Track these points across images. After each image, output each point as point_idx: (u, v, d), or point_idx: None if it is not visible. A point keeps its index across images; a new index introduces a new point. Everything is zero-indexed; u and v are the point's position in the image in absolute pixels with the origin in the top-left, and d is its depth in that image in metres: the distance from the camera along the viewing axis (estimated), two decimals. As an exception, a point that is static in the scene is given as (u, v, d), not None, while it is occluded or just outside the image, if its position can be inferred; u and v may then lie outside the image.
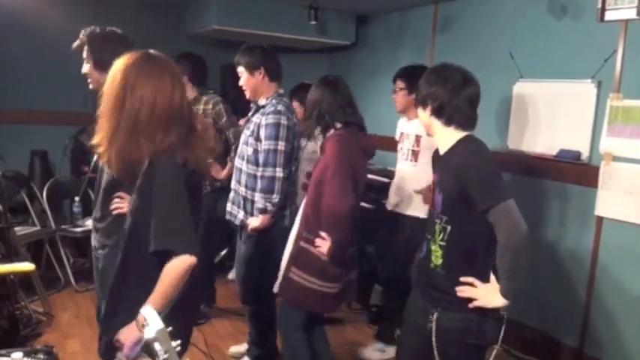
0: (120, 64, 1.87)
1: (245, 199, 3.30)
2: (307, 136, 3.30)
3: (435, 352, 2.26)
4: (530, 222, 2.15)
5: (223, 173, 4.12)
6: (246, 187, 3.29)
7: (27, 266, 3.16)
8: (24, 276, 4.05)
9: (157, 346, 1.12)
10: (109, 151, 1.85)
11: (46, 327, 4.03)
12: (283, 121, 3.18)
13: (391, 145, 4.26)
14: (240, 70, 3.31)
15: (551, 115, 3.91)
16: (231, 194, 3.44)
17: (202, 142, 1.94)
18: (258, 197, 3.19)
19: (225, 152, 4.23)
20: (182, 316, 1.84)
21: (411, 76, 3.71)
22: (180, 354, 1.80)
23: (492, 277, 2.22)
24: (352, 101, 3.04)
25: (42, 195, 4.93)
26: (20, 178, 5.01)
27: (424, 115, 2.32)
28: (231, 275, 5.17)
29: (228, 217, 3.46)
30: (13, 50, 5.17)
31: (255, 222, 3.22)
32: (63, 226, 4.96)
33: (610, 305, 3.60)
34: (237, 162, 3.36)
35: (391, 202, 3.98)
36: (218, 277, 4.80)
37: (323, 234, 2.85)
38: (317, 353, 3.12)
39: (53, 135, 5.42)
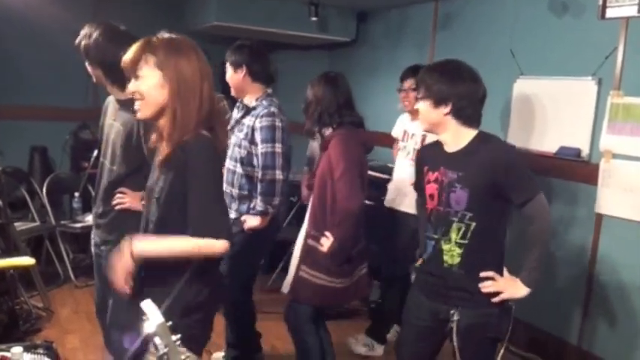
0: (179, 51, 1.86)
1: (240, 197, 3.28)
2: (311, 135, 3.25)
3: (457, 352, 2.27)
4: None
5: None
6: (240, 188, 3.27)
7: (27, 261, 3.16)
8: (24, 271, 4.05)
9: (157, 340, 1.12)
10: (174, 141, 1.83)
11: (45, 322, 4.04)
12: (277, 122, 3.18)
13: (392, 141, 4.26)
14: (227, 65, 3.32)
15: (551, 113, 3.91)
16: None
17: (223, 122, 2.03)
18: (258, 199, 3.19)
19: None
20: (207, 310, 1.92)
21: None
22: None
23: (505, 270, 2.28)
24: (351, 99, 3.04)
25: (42, 191, 4.93)
26: (20, 173, 5.01)
27: (435, 113, 2.26)
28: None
29: None
30: (13, 46, 5.17)
31: (253, 222, 3.22)
32: (62, 222, 4.96)
33: (610, 303, 3.60)
34: (230, 163, 3.32)
35: (389, 199, 3.98)
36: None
37: (327, 233, 2.87)
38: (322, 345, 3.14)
39: (53, 131, 5.42)
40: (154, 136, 1.93)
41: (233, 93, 3.37)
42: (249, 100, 3.31)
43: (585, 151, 3.69)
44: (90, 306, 4.32)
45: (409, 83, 3.82)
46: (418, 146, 3.71)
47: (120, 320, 1.86)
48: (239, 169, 3.26)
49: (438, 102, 2.24)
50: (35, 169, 5.31)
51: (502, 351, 2.30)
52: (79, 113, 5.42)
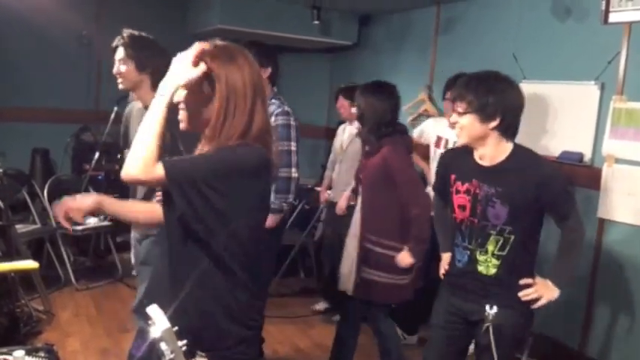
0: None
1: None
2: (368, 143, 3.23)
3: (494, 351, 2.25)
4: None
5: None
6: None
7: (31, 264, 3.15)
8: (24, 274, 4.04)
9: (163, 345, 1.11)
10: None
11: (46, 325, 4.02)
12: (292, 121, 3.23)
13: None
14: None
15: (554, 117, 3.91)
16: None
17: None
18: (272, 197, 3.20)
19: None
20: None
21: None
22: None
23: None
24: (398, 106, 3.18)
25: (43, 193, 4.92)
26: (21, 176, 5.01)
27: (482, 128, 2.22)
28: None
29: None
30: (15, 48, 5.17)
31: (267, 221, 3.22)
32: (64, 225, 4.94)
33: (612, 308, 3.59)
34: None
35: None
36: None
37: (405, 249, 3.01)
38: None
39: (54, 133, 5.42)
40: (199, 146, 1.74)
41: None
42: None
43: (588, 156, 3.69)
44: (90, 309, 4.33)
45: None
46: None
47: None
48: None
49: (486, 117, 2.20)
50: (36, 171, 5.31)
51: (527, 352, 2.44)
52: (80, 115, 5.42)
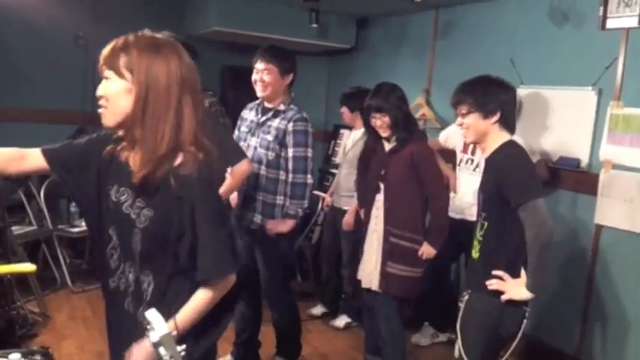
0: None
1: (264, 203, 3.30)
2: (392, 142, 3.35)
3: (458, 329, 2.46)
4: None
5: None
6: (266, 191, 3.29)
7: (28, 267, 3.13)
8: (20, 276, 4.02)
9: (161, 350, 1.10)
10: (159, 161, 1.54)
11: (41, 328, 4.01)
12: (310, 128, 3.29)
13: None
14: (269, 67, 3.25)
15: (551, 123, 3.91)
16: (241, 199, 3.37)
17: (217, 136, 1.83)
18: (288, 202, 3.25)
19: None
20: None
21: None
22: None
23: (522, 272, 2.36)
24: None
25: (39, 194, 4.90)
26: (17, 177, 4.98)
27: (485, 123, 2.40)
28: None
29: (238, 222, 3.40)
30: (12, 49, 5.15)
31: (283, 227, 3.27)
32: (60, 226, 4.93)
33: (609, 313, 3.60)
34: (252, 166, 3.29)
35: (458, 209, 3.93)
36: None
37: (425, 243, 3.23)
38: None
39: (51, 134, 5.33)
40: (115, 147, 1.63)
41: (266, 95, 3.29)
42: (276, 104, 3.31)
43: (585, 162, 3.70)
44: (86, 311, 4.31)
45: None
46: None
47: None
48: (263, 172, 3.28)
49: (487, 113, 2.39)
50: (33, 172, 5.28)
51: (510, 351, 2.44)
52: (77, 116, 5.39)
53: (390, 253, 3.22)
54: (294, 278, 5.30)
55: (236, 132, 3.52)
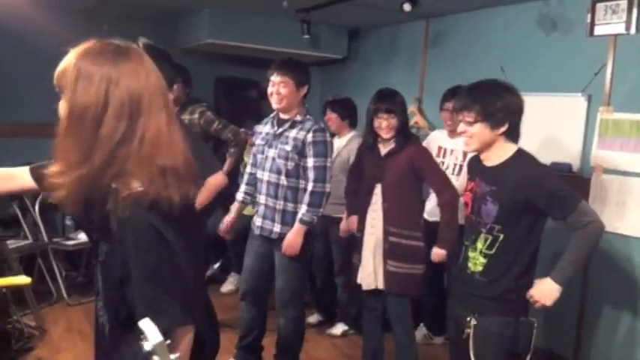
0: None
1: (284, 211, 3.35)
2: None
3: (472, 358, 2.31)
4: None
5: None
6: (285, 199, 3.35)
7: (23, 280, 3.15)
8: (16, 289, 4.02)
9: (155, 359, 1.12)
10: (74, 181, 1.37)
11: (38, 341, 3.99)
12: (328, 138, 3.36)
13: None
14: (285, 80, 3.30)
15: (542, 129, 3.94)
16: (262, 209, 3.43)
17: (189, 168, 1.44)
18: (304, 209, 3.29)
19: (222, 158, 4.22)
20: None
21: None
22: None
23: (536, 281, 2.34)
24: None
25: (34, 208, 4.90)
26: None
27: (492, 134, 2.31)
28: (224, 288, 5.17)
29: (258, 232, 3.46)
30: (5, 62, 5.16)
31: (297, 240, 3.31)
32: (55, 240, 4.93)
33: (603, 317, 3.62)
34: (271, 176, 3.36)
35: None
36: (210, 290, 4.78)
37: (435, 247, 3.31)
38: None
39: (45, 148, 5.34)
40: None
41: (282, 107, 3.34)
42: (292, 115, 3.36)
43: (576, 166, 3.73)
44: (83, 324, 4.30)
45: (453, 104, 3.88)
46: (459, 162, 3.90)
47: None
48: (283, 182, 3.34)
49: (495, 123, 2.29)
50: (27, 186, 5.28)
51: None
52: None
53: (390, 252, 3.27)
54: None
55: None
